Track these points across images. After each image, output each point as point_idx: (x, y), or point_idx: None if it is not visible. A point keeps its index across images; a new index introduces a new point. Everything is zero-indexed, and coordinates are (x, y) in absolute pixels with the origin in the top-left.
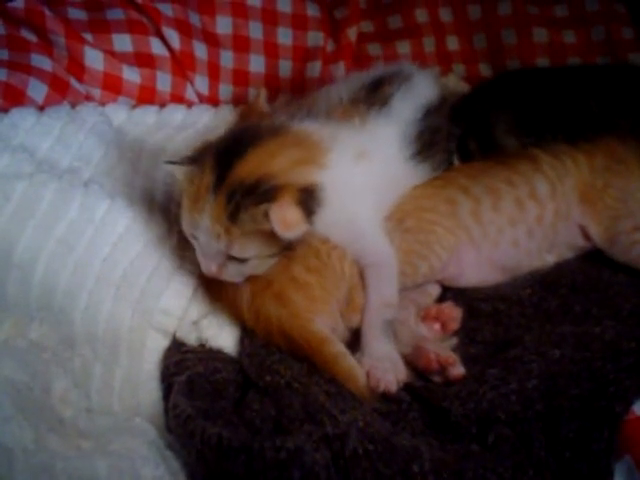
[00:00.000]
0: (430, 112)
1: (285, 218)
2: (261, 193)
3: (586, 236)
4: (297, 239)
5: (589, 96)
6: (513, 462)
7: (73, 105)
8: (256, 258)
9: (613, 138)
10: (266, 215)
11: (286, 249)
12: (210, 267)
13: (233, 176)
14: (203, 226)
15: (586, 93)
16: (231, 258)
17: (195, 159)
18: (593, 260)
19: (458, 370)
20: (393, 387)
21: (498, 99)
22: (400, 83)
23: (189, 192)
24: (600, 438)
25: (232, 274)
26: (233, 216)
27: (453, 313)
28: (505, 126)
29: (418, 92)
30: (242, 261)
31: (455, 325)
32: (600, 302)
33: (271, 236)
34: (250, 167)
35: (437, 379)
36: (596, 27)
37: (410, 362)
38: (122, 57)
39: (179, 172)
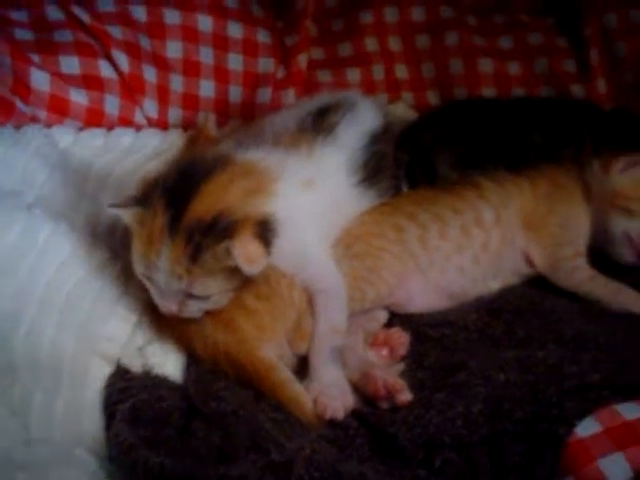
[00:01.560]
0: (375, 139)
1: (248, 253)
2: (220, 230)
3: (530, 262)
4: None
5: (532, 128)
6: None
7: (18, 127)
8: (218, 294)
9: (555, 166)
10: (228, 252)
11: (246, 281)
12: (170, 307)
13: (189, 215)
14: (161, 268)
15: (529, 125)
16: (191, 296)
17: (141, 200)
18: (537, 286)
19: (405, 396)
20: (340, 414)
21: (442, 133)
22: (345, 111)
23: (141, 235)
24: (544, 460)
25: (192, 311)
26: (194, 257)
27: (401, 339)
28: (448, 162)
29: (363, 120)
30: (203, 298)
31: (403, 351)
32: (543, 327)
33: (232, 271)
34: (205, 204)
35: (384, 405)
36: (539, 59)
37: (358, 388)
38: (69, 79)
39: (125, 215)
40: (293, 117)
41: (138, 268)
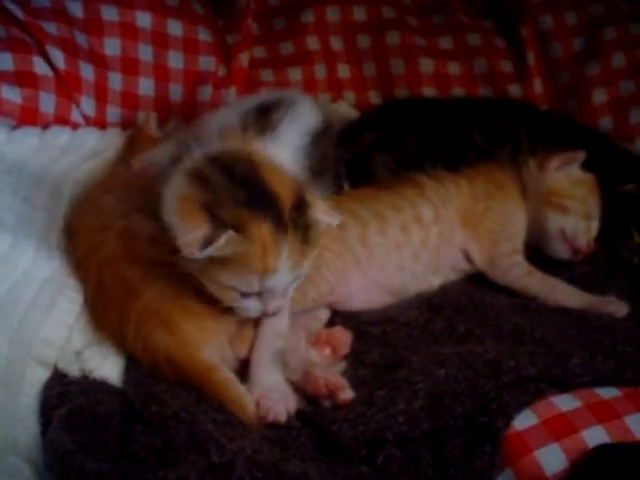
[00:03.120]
0: (316, 138)
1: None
2: (304, 205)
3: (468, 259)
4: None
5: (471, 127)
6: None
7: None
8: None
9: (493, 165)
10: (317, 220)
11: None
12: (281, 304)
13: (284, 206)
14: (283, 268)
15: (468, 124)
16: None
17: (223, 224)
18: (476, 282)
19: (347, 394)
20: (283, 417)
21: (381, 134)
22: (286, 109)
23: (247, 254)
24: (483, 453)
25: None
26: (305, 237)
27: (344, 337)
28: (385, 166)
29: (303, 119)
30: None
31: (345, 349)
32: (482, 322)
33: None
34: (282, 191)
35: (327, 404)
36: (478, 59)
37: (299, 387)
38: (2, 76)
39: (222, 246)
40: (235, 116)
41: (249, 288)
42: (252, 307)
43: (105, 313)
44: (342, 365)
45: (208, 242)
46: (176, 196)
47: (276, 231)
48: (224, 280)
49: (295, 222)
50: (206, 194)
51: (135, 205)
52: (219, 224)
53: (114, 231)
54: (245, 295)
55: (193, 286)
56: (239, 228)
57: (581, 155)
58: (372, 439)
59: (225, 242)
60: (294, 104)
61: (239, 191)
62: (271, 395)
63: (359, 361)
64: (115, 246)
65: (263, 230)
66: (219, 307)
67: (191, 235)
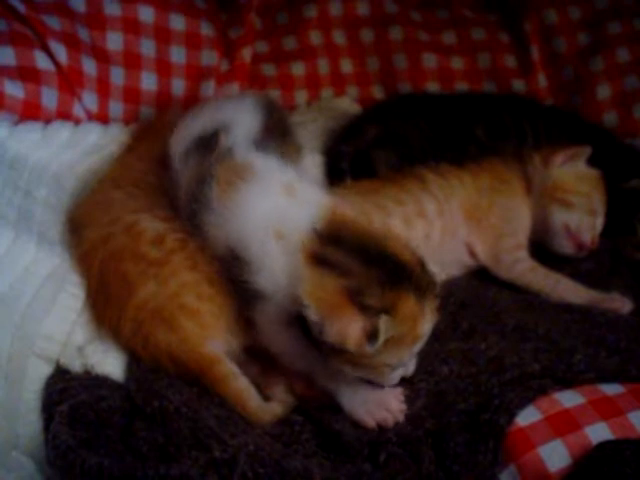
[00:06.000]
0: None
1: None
2: (423, 262)
3: (472, 254)
4: None
5: (474, 122)
6: (404, 479)
7: None
8: None
9: (497, 160)
10: None
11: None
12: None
13: (415, 271)
14: (428, 329)
15: (471, 119)
16: None
17: (373, 311)
18: (480, 278)
19: None
20: None
21: (385, 129)
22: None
23: (406, 328)
24: (486, 450)
25: None
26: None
27: None
28: (387, 163)
29: (246, 135)
30: None
31: None
32: (486, 318)
33: None
34: (404, 258)
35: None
36: (482, 54)
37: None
38: (4, 70)
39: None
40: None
41: (403, 360)
42: (397, 375)
43: (105, 308)
44: None
45: (374, 335)
46: (310, 294)
47: (419, 300)
48: (379, 361)
49: (424, 281)
50: (343, 281)
51: (145, 203)
52: (371, 313)
53: (121, 225)
54: (396, 367)
55: (192, 284)
56: (389, 310)
57: (586, 150)
58: (375, 439)
59: (385, 329)
60: (230, 129)
61: (374, 270)
62: None
63: None
64: (120, 240)
65: (411, 305)
66: (217, 304)
67: (348, 331)
